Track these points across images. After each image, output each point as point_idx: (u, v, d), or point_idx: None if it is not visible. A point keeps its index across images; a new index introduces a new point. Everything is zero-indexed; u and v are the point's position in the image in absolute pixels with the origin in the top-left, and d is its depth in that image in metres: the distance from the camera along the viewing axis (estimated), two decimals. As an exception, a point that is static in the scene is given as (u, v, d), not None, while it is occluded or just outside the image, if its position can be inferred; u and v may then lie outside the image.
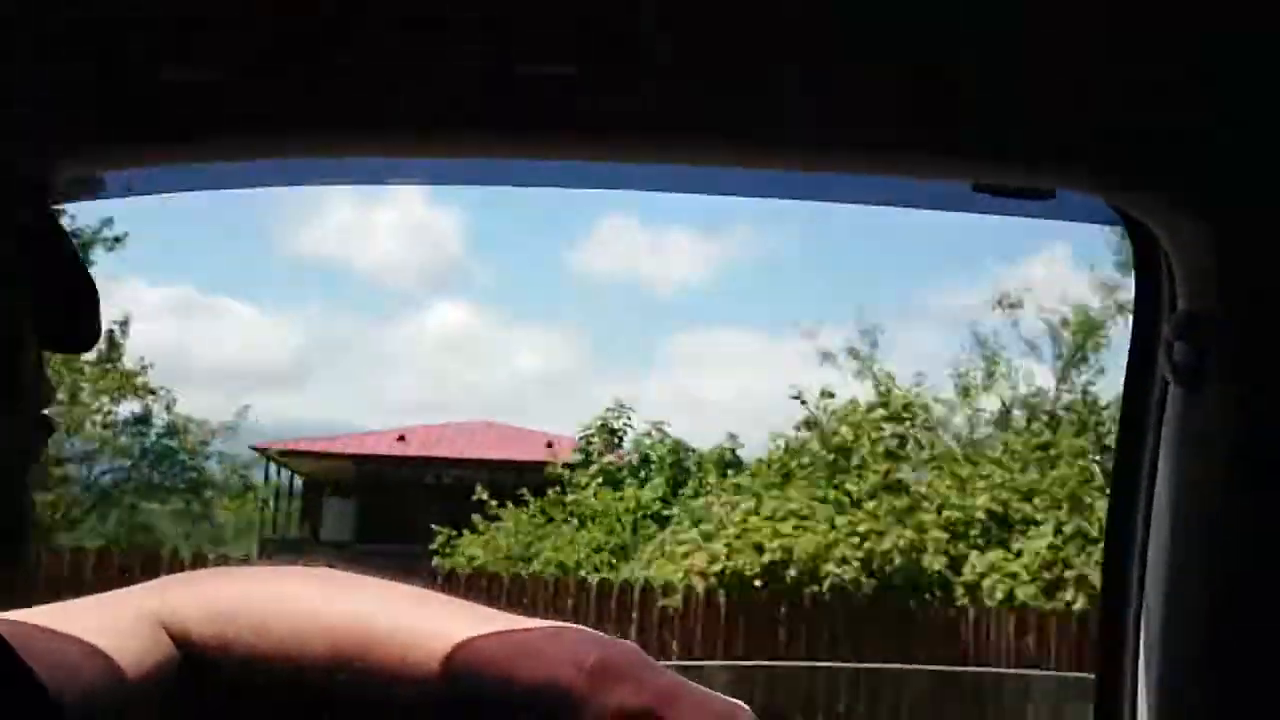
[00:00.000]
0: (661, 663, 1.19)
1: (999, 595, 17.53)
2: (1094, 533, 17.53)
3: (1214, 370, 1.15)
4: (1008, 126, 1.13)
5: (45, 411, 0.91)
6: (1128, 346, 1.30)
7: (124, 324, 27.40)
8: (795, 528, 17.94)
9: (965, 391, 27.27)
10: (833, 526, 17.97)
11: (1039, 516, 18.48)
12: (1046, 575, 17.61)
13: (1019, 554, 17.92)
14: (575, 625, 1.19)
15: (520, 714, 1.16)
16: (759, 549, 17.68)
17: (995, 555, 17.94)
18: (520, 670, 1.14)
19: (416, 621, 1.18)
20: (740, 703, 1.18)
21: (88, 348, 0.94)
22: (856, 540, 17.76)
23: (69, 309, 0.91)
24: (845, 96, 1.12)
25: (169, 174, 1.27)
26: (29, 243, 0.89)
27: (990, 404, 27.20)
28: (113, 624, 1.18)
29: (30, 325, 0.88)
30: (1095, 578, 15.90)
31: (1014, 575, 17.65)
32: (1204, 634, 1.18)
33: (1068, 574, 17.52)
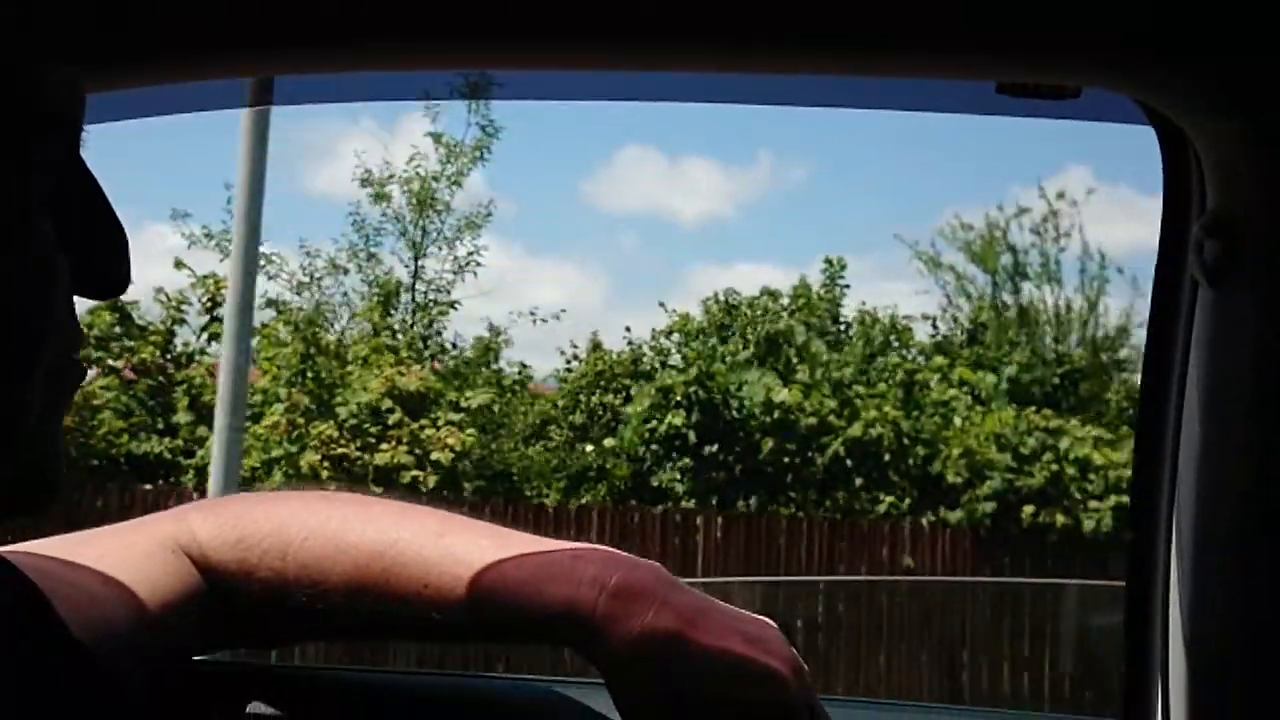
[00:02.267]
0: (685, 580, 1.18)
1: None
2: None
3: (1245, 270, 1.13)
4: (1031, 22, 1.09)
5: (75, 355, 0.90)
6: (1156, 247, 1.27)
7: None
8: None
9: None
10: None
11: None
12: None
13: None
14: (599, 546, 1.19)
15: (544, 637, 1.16)
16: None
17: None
18: (543, 593, 1.14)
19: (439, 545, 1.18)
20: (767, 619, 1.17)
21: (119, 292, 0.93)
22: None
23: (100, 252, 0.90)
24: None
25: (175, 93, 1.25)
26: (57, 182, 0.87)
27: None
28: (131, 552, 1.18)
29: (63, 266, 0.87)
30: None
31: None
32: (1237, 540, 1.16)
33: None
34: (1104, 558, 16.52)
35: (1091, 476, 17.03)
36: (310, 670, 1.37)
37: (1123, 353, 21.57)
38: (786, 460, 17.62)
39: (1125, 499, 16.45)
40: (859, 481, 17.59)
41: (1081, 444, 17.32)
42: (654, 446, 17.81)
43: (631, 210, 34.75)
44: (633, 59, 1.18)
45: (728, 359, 18.80)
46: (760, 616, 1.18)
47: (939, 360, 19.95)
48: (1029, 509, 16.73)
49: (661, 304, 23.42)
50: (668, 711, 1.12)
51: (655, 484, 17.60)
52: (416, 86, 1.34)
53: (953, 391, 18.83)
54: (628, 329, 20.09)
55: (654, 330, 20.14)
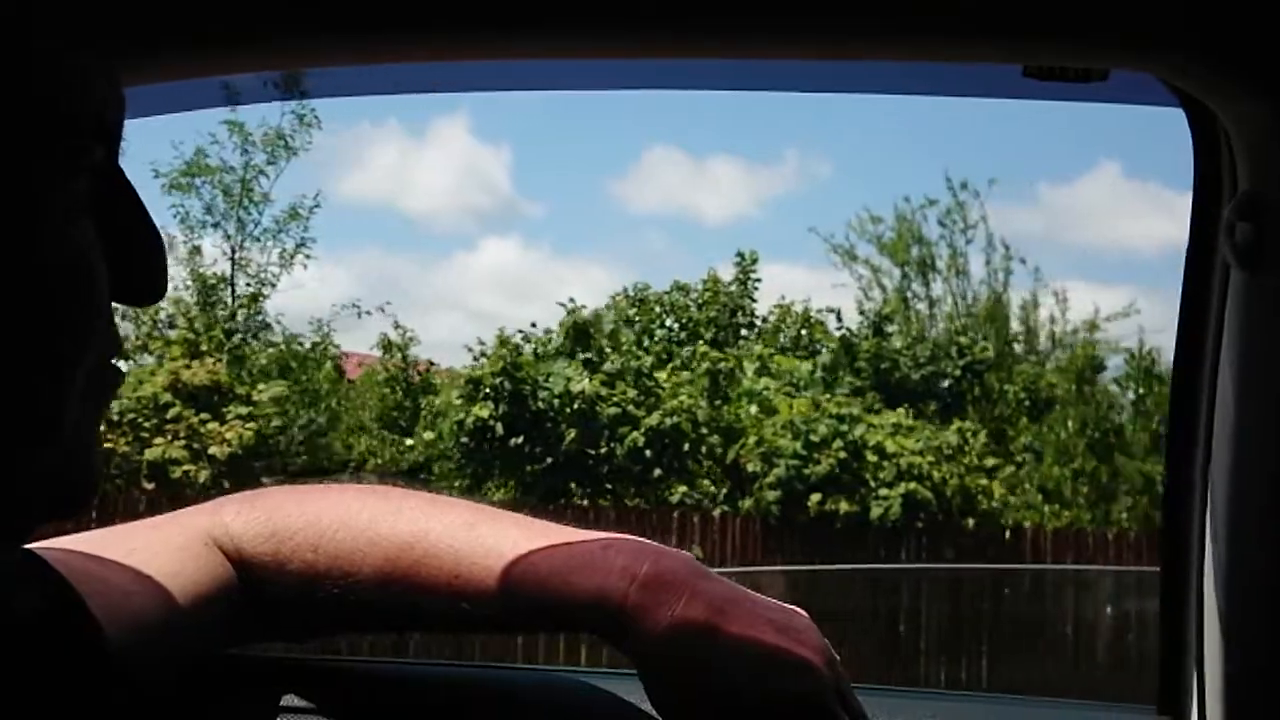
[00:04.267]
0: (716, 570, 1.17)
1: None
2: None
3: (1277, 251, 1.14)
4: (1059, 4, 1.09)
5: (114, 361, 0.90)
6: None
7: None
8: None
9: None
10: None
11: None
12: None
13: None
14: (628, 536, 1.18)
15: (574, 627, 1.16)
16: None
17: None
18: (573, 583, 1.13)
19: (471, 536, 1.18)
20: (797, 609, 1.17)
21: (156, 299, 0.92)
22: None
23: (137, 258, 0.90)
24: None
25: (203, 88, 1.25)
26: (97, 186, 0.87)
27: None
28: (164, 546, 1.18)
29: (103, 271, 0.86)
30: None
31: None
32: (1273, 523, 1.17)
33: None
34: (896, 543, 16.85)
35: (884, 464, 17.33)
36: (343, 663, 1.37)
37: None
38: (589, 451, 17.70)
39: (915, 486, 16.82)
40: (657, 472, 17.71)
41: (876, 431, 17.59)
42: (464, 439, 17.77)
43: (656, 210, 34.68)
44: (649, 47, 1.17)
45: (539, 350, 18.79)
46: (791, 606, 1.17)
47: (760, 349, 20.20)
48: (816, 496, 16.97)
49: (560, 304, 23.43)
50: (699, 701, 1.12)
51: (470, 474, 17.58)
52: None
53: (764, 380, 19.05)
54: (533, 324, 20.13)
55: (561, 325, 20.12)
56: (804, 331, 21.02)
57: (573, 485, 17.60)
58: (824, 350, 20.48)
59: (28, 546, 1.04)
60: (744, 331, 21.40)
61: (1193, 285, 1.26)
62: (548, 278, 34.23)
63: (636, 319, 21.12)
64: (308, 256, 20.99)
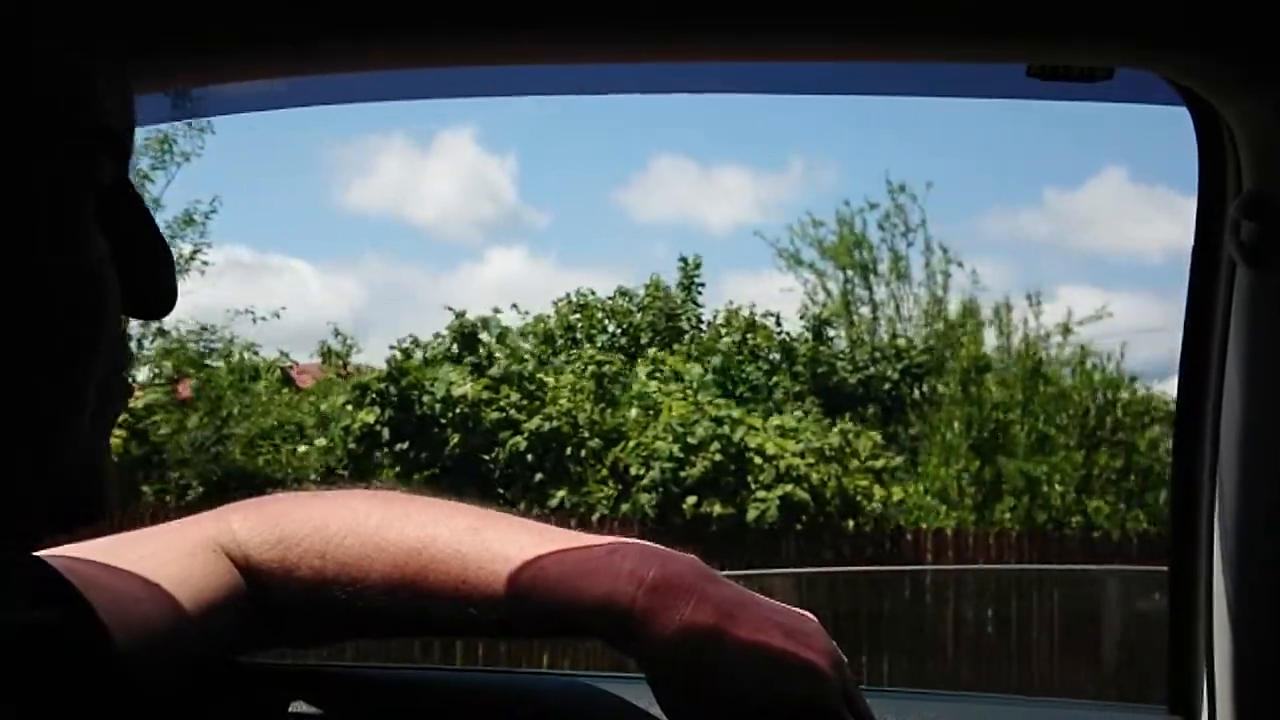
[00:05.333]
0: (724, 574, 1.17)
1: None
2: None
3: None
4: (1063, 2, 1.09)
5: (124, 373, 0.90)
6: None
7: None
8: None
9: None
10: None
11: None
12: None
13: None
14: (636, 540, 1.18)
15: (582, 631, 1.16)
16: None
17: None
18: (581, 588, 1.14)
19: (478, 541, 1.18)
20: (805, 613, 1.17)
21: (165, 312, 0.93)
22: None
23: (146, 271, 0.90)
24: None
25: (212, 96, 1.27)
26: (109, 198, 0.87)
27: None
28: (171, 554, 1.19)
29: (114, 283, 0.87)
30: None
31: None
32: (1277, 527, 1.18)
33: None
34: (774, 546, 16.91)
35: (765, 466, 17.39)
36: (351, 669, 1.36)
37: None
38: (477, 455, 17.65)
39: (793, 488, 16.93)
40: (539, 476, 17.69)
41: (755, 434, 17.65)
42: (351, 445, 17.64)
43: (662, 219, 34.51)
44: (650, 50, 1.16)
45: (427, 354, 18.71)
46: (799, 609, 1.17)
47: (656, 353, 20.28)
48: (691, 499, 17.01)
49: (514, 305, 23.37)
50: (707, 704, 1.12)
51: (359, 480, 17.43)
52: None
53: (654, 384, 19.07)
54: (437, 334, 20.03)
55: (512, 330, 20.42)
56: (748, 335, 21.10)
57: (461, 490, 17.50)
58: (768, 354, 20.59)
59: (36, 554, 1.03)
60: (685, 336, 21.44)
61: (1199, 284, 1.27)
62: (556, 287, 34.21)
63: (579, 323, 21.14)
64: (205, 262, 20.70)
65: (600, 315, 21.46)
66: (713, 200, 33.94)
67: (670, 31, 1.11)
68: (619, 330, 21.55)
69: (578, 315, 21.40)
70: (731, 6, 1.09)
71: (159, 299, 0.91)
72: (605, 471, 17.85)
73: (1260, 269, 1.16)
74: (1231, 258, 1.20)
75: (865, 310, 23.17)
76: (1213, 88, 1.16)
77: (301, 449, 18.09)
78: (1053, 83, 1.19)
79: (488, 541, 1.17)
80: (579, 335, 21.07)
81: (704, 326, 21.93)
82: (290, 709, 1.26)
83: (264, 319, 20.41)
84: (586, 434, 17.97)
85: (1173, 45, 1.12)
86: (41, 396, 0.82)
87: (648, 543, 1.18)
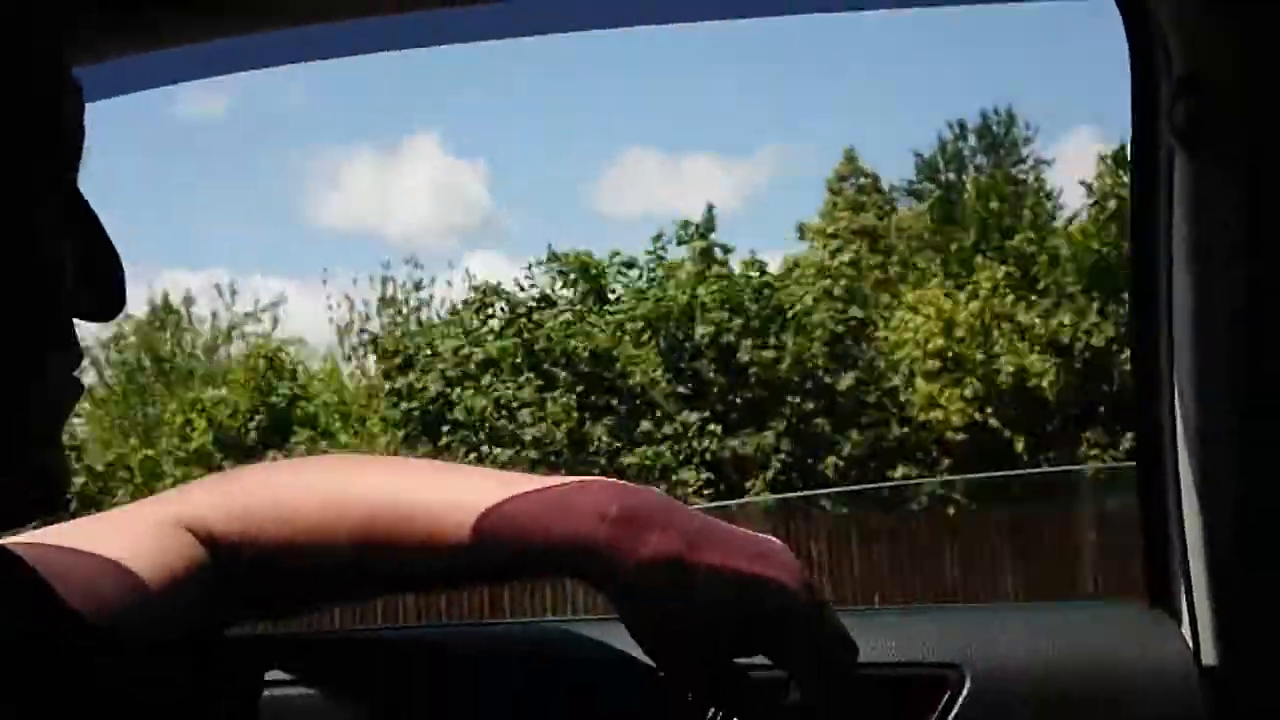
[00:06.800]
0: (693, 506, 1.17)
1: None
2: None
3: (1217, 130, 1.15)
4: None
5: (75, 373, 0.92)
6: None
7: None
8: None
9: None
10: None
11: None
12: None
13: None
14: (598, 478, 1.18)
15: (551, 571, 1.17)
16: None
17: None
18: (548, 528, 1.14)
19: (440, 493, 1.18)
20: (773, 538, 1.17)
21: (113, 315, 0.94)
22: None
23: (98, 274, 0.91)
24: None
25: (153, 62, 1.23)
26: (61, 202, 0.89)
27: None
28: (131, 533, 1.18)
29: (64, 287, 0.88)
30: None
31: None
32: (1236, 407, 1.19)
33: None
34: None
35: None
36: (322, 635, 1.37)
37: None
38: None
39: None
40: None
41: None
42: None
43: (632, 212, 34.56)
44: None
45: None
46: (765, 535, 1.17)
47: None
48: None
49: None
50: (679, 631, 1.13)
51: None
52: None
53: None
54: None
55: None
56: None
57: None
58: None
59: None
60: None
61: (1139, 165, 1.26)
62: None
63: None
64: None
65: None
66: (683, 191, 34.01)
67: None
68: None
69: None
70: None
71: (108, 301, 0.92)
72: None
73: (1194, 153, 1.16)
74: (1168, 142, 1.19)
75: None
76: None
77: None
78: None
79: (449, 491, 1.17)
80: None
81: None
82: (266, 677, 1.25)
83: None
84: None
85: None
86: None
87: (608, 479, 1.18)
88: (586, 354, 22.43)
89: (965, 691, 1.25)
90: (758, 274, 23.95)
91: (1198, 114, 1.14)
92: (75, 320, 0.91)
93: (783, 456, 22.25)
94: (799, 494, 15.46)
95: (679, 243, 24.15)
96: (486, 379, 22.51)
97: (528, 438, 21.96)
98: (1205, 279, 1.18)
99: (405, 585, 1.24)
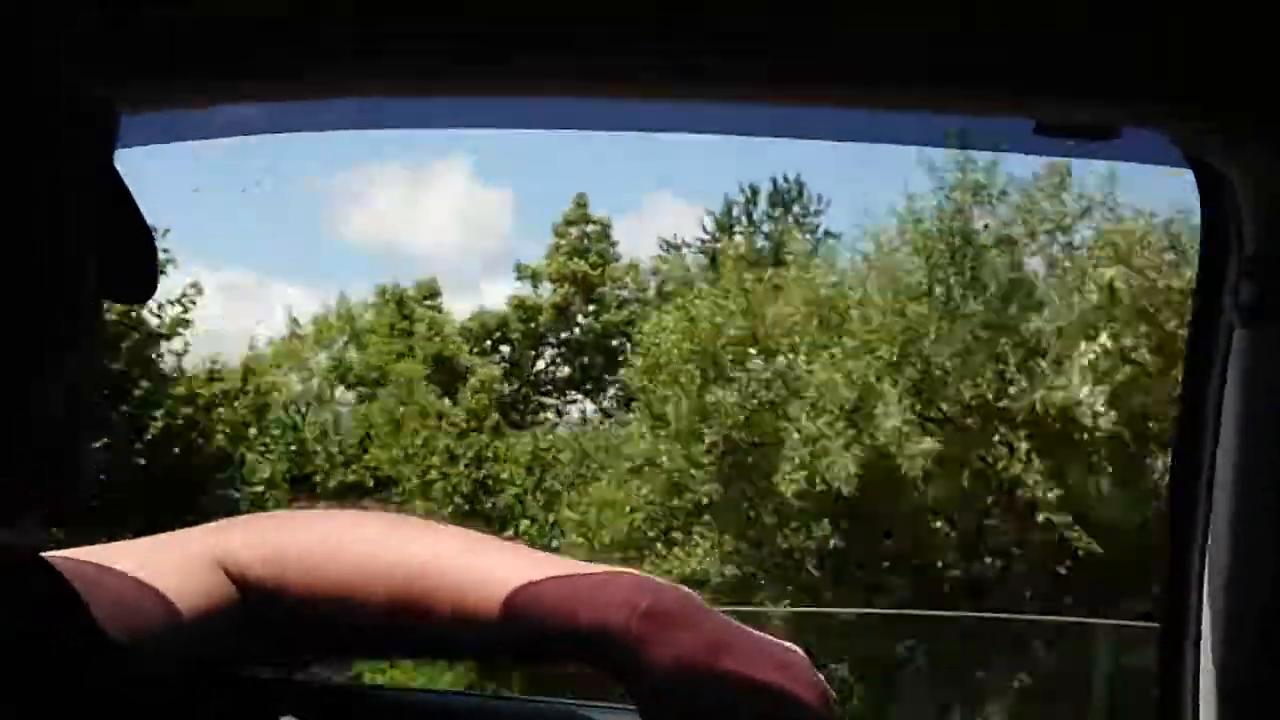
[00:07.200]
0: (718, 609, 1.18)
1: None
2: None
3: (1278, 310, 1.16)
4: (1072, 61, 1.10)
5: (100, 359, 0.93)
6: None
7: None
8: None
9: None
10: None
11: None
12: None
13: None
14: (630, 570, 1.18)
15: (575, 658, 1.16)
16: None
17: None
18: (575, 615, 1.13)
19: (472, 566, 1.18)
20: (795, 647, 1.17)
21: (146, 297, 0.94)
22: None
23: (128, 257, 0.91)
24: (896, 23, 1.08)
25: (205, 118, 1.25)
26: (91, 187, 0.89)
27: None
28: (169, 563, 1.19)
29: (92, 271, 0.88)
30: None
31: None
32: (1272, 577, 1.19)
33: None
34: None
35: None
36: (342, 687, 1.36)
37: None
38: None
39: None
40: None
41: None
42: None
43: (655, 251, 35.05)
44: (648, 89, 1.17)
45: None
46: (788, 643, 1.18)
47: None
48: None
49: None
50: None
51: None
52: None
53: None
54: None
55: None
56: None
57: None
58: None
59: (39, 554, 1.05)
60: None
61: (1197, 339, 1.27)
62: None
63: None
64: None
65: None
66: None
67: (655, 79, 1.12)
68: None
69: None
70: (740, 47, 1.10)
71: (140, 284, 0.93)
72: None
73: (1257, 331, 1.18)
74: (1229, 318, 1.21)
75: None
76: (1218, 150, 1.17)
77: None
78: (1059, 139, 1.20)
79: (484, 564, 1.17)
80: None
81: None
82: None
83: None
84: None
85: (1178, 110, 1.13)
86: (12, 378, 0.83)
87: (640, 573, 1.17)
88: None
89: None
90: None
91: (1265, 294, 1.16)
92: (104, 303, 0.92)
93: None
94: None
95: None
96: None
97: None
98: (1253, 455, 1.18)
99: (433, 652, 1.25)
